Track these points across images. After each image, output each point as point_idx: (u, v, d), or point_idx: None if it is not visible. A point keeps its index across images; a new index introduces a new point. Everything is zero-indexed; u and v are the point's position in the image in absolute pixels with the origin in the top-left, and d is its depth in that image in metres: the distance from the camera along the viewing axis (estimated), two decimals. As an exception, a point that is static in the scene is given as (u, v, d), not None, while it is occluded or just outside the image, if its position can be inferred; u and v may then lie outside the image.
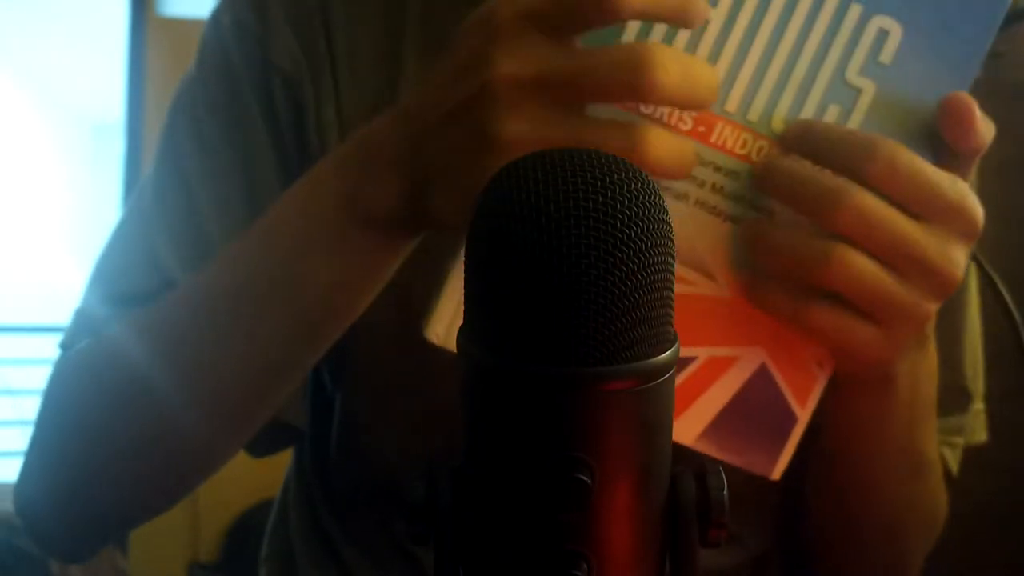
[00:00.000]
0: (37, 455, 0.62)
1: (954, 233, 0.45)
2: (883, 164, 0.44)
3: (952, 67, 0.46)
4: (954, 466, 0.68)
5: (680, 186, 0.47)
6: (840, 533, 0.65)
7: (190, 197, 0.63)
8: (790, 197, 0.45)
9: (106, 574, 2.27)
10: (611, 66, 0.41)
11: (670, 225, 0.28)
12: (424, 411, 0.63)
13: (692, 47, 0.46)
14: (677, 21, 0.44)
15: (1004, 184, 0.53)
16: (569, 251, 0.26)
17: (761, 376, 0.48)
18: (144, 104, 2.94)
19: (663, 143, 0.43)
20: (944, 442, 0.66)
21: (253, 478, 0.65)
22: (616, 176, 0.27)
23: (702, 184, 0.47)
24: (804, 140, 0.46)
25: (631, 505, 0.28)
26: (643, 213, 0.27)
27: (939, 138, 0.46)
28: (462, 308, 0.29)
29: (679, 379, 0.48)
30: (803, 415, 0.49)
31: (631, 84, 0.41)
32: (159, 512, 0.63)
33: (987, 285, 0.48)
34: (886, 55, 0.46)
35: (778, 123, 0.46)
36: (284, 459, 0.76)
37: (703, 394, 0.48)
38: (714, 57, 0.46)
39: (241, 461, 0.64)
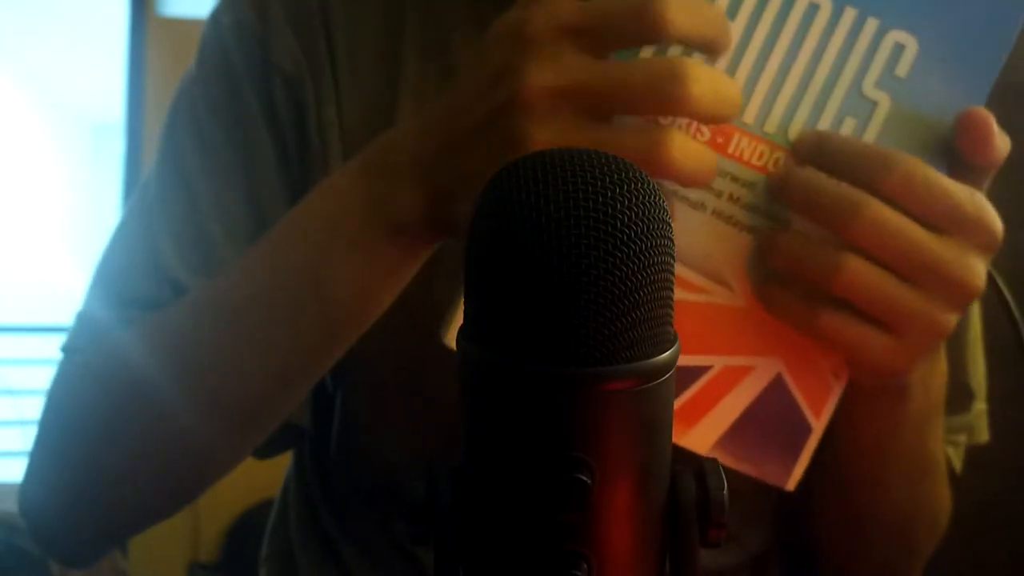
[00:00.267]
0: (41, 458, 0.62)
1: (972, 245, 0.45)
2: (900, 177, 0.44)
3: (968, 81, 0.47)
4: (957, 465, 0.68)
5: (697, 196, 0.47)
6: (846, 531, 0.65)
7: (191, 197, 0.63)
8: (807, 207, 0.46)
9: (106, 574, 2.27)
10: (647, 79, 0.42)
11: (670, 225, 0.28)
12: (424, 411, 0.63)
13: (711, 59, 0.46)
14: (708, 49, 0.44)
15: (1004, 184, 0.53)
16: (569, 251, 0.26)
17: (777, 386, 0.49)
18: (144, 104, 2.94)
19: (685, 147, 0.43)
20: (948, 441, 0.66)
21: (253, 478, 0.65)
22: (616, 176, 0.27)
23: (719, 194, 0.47)
24: (819, 152, 0.46)
25: (631, 505, 0.28)
26: (643, 213, 0.27)
27: (954, 151, 0.46)
28: None
29: (695, 388, 0.48)
30: (818, 426, 0.49)
31: (666, 97, 0.42)
32: (165, 516, 0.63)
33: (989, 285, 0.48)
34: (902, 68, 0.47)
35: (795, 135, 0.47)
36: (284, 459, 0.76)
37: (718, 403, 0.48)
38: (732, 68, 0.46)
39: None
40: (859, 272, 0.44)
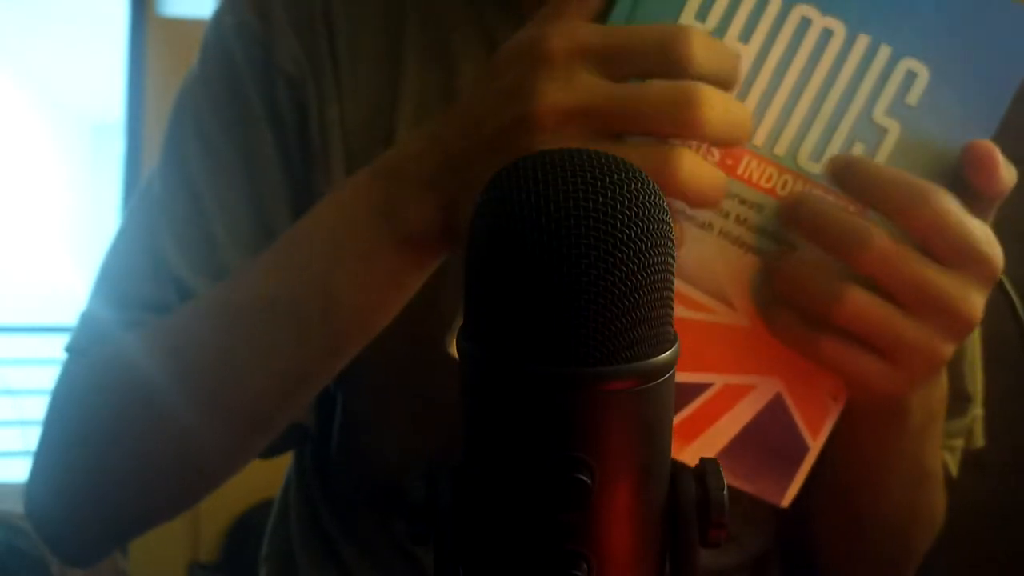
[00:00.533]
0: (45, 458, 0.62)
1: (976, 279, 0.46)
2: (932, 212, 0.45)
3: (977, 111, 0.47)
4: (954, 469, 0.68)
5: (705, 216, 0.47)
6: (845, 533, 0.65)
7: (194, 198, 0.63)
8: (816, 234, 0.46)
9: (106, 574, 2.27)
10: (662, 102, 0.43)
11: (670, 225, 0.28)
12: (425, 411, 0.63)
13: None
14: (723, 84, 0.45)
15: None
16: (569, 251, 0.26)
17: (776, 405, 0.49)
18: (144, 104, 2.94)
19: (695, 168, 0.43)
20: (945, 446, 0.67)
21: (253, 478, 0.65)
22: (616, 176, 0.27)
23: (727, 215, 0.47)
24: (850, 176, 0.46)
25: (631, 505, 0.28)
26: (643, 213, 0.27)
27: (960, 180, 0.47)
28: None
29: (695, 405, 0.49)
30: (815, 445, 0.50)
31: (680, 120, 0.43)
32: (169, 518, 0.63)
33: (995, 287, 0.48)
34: (913, 96, 0.47)
35: (804, 158, 0.47)
36: (284, 459, 0.76)
37: (718, 420, 0.49)
38: (745, 90, 0.46)
39: (241, 461, 0.64)
40: (862, 304, 0.45)
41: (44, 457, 0.63)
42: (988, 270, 0.46)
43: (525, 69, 0.44)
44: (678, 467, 0.30)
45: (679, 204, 0.45)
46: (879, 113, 0.47)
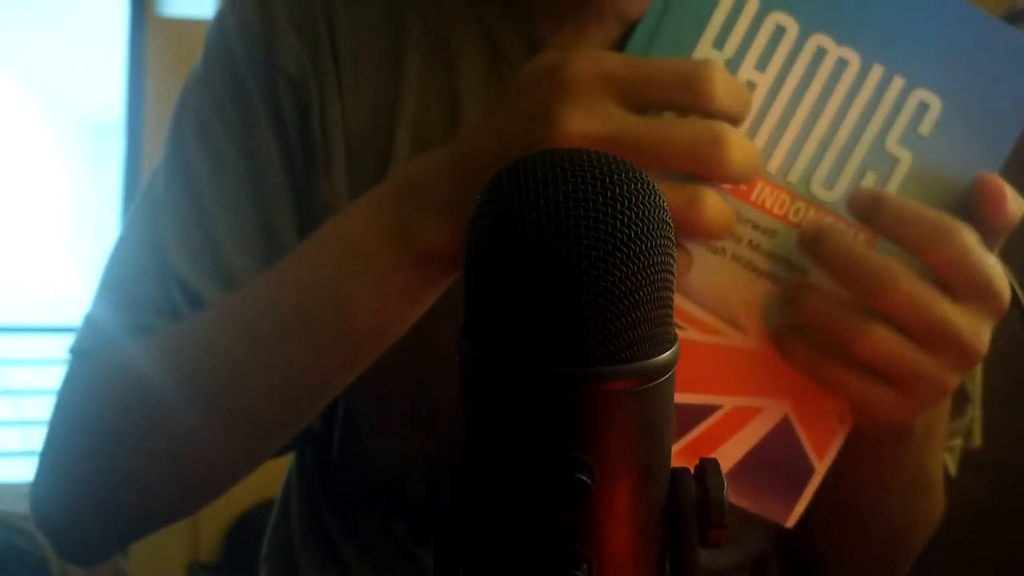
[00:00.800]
0: (51, 459, 0.63)
1: (986, 312, 0.47)
2: (957, 250, 0.45)
3: (987, 142, 0.48)
4: (953, 469, 0.68)
5: (718, 240, 0.48)
6: (844, 538, 0.66)
7: (197, 199, 0.63)
8: (839, 273, 0.46)
9: (106, 574, 2.27)
10: (689, 140, 0.43)
11: (670, 225, 0.28)
12: (426, 411, 0.63)
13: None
14: (735, 120, 0.46)
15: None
16: (569, 251, 0.26)
17: (783, 428, 0.50)
18: (144, 104, 2.94)
19: (718, 207, 0.44)
20: (944, 447, 0.67)
21: (253, 478, 0.65)
22: (616, 176, 0.27)
23: (739, 240, 0.48)
24: (876, 211, 0.47)
25: (631, 505, 0.28)
26: (643, 213, 0.27)
27: (969, 211, 0.47)
28: None
29: (704, 426, 0.49)
30: (821, 467, 0.51)
31: (706, 160, 0.43)
32: (174, 521, 0.64)
33: None
34: (925, 127, 0.48)
35: (816, 186, 0.48)
36: (284, 459, 0.76)
37: (726, 441, 0.50)
38: (760, 119, 0.47)
39: (241, 461, 0.64)
40: (884, 341, 0.46)
41: (50, 458, 0.63)
42: (999, 305, 0.47)
43: (548, 93, 0.44)
44: (678, 467, 0.30)
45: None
46: (892, 142, 0.48)
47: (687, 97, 0.44)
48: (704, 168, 0.44)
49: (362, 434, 0.69)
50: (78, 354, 0.64)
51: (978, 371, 0.70)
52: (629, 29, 0.47)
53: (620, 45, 0.47)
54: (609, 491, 0.27)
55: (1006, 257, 0.49)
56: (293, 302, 0.55)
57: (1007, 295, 0.47)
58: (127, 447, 0.59)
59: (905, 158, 0.48)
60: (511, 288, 0.26)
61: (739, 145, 0.44)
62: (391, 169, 0.63)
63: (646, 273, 0.27)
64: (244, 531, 2.61)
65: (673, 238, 0.28)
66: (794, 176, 0.48)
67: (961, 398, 0.68)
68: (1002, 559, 1.47)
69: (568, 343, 0.26)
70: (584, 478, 0.27)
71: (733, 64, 0.47)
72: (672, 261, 0.28)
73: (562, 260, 0.26)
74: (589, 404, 0.27)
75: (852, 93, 0.47)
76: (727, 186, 0.47)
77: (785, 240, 0.48)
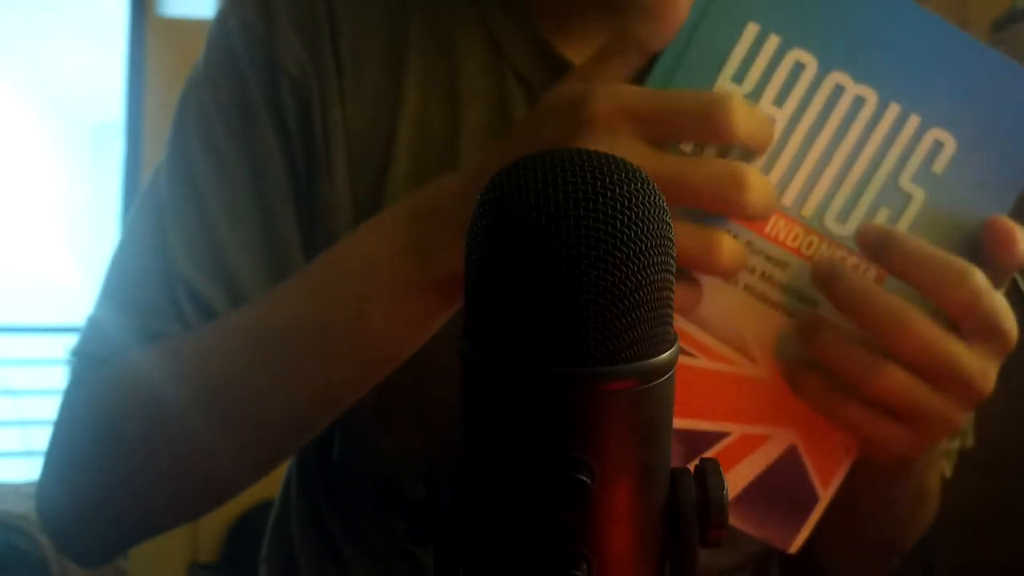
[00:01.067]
0: (57, 461, 0.63)
1: (995, 352, 0.47)
2: (970, 294, 0.46)
3: (999, 182, 0.49)
4: (948, 471, 0.69)
5: None
6: (844, 542, 0.66)
7: (199, 201, 0.63)
8: (854, 313, 0.47)
9: (106, 574, 2.27)
10: (710, 180, 0.44)
11: (670, 225, 0.28)
12: (426, 411, 0.63)
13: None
14: (756, 150, 0.47)
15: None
16: (569, 251, 0.26)
17: (789, 456, 0.51)
18: (144, 104, 2.94)
19: (733, 251, 0.45)
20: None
21: (253, 478, 0.66)
22: (616, 176, 0.27)
23: (752, 271, 0.49)
24: (886, 249, 0.47)
25: (631, 505, 0.28)
26: (643, 213, 0.27)
27: (978, 249, 0.48)
28: None
29: (712, 453, 0.50)
30: (825, 496, 0.51)
31: (725, 200, 0.44)
32: (181, 524, 0.64)
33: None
34: (939, 165, 0.48)
35: (830, 220, 0.48)
36: (284, 459, 0.76)
37: (733, 468, 0.50)
38: (776, 153, 0.48)
39: (242, 461, 0.64)
40: (898, 382, 0.46)
41: (55, 461, 0.63)
42: (1007, 345, 0.47)
43: (570, 126, 0.44)
44: (678, 468, 0.30)
45: None
46: (905, 180, 0.48)
47: (707, 130, 0.44)
48: (722, 208, 0.45)
49: (363, 434, 0.69)
50: (82, 357, 0.64)
51: None
52: (651, 61, 0.48)
53: (641, 76, 0.48)
54: (609, 491, 0.27)
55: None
56: (308, 319, 0.55)
57: (1015, 335, 0.47)
58: (133, 454, 0.59)
59: (918, 195, 0.48)
60: (511, 288, 0.26)
61: (757, 186, 0.44)
62: (392, 169, 0.63)
63: (646, 273, 0.26)
64: (244, 531, 2.61)
65: (673, 238, 0.28)
66: (808, 210, 0.48)
67: None
68: (1004, 559, 1.47)
69: (568, 343, 0.26)
70: (584, 478, 0.27)
71: (752, 98, 0.47)
72: (672, 261, 0.28)
73: (562, 260, 0.26)
74: (589, 404, 0.27)
75: (868, 130, 0.48)
76: None
77: (797, 272, 0.49)
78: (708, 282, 0.48)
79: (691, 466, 0.31)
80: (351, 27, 0.64)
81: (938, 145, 0.48)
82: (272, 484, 0.80)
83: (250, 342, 0.57)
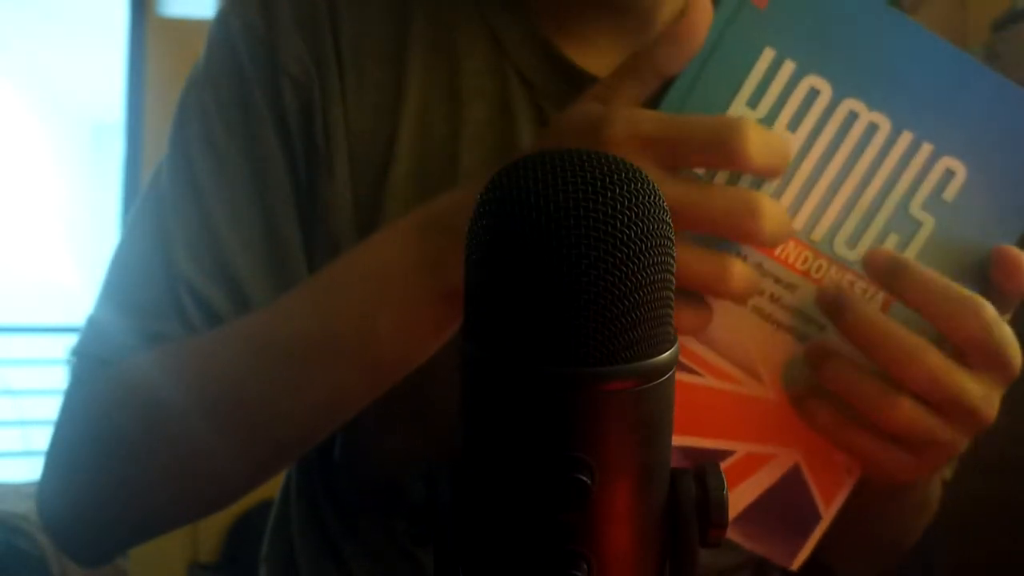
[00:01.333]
0: (58, 462, 0.63)
1: (999, 381, 0.48)
2: (978, 326, 0.46)
3: (1008, 210, 0.49)
4: (948, 474, 0.69)
5: None
6: (845, 546, 0.66)
7: (203, 203, 0.63)
8: (860, 343, 0.47)
9: (106, 574, 2.27)
10: (723, 208, 0.44)
11: (670, 225, 0.28)
12: (427, 411, 0.63)
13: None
14: (772, 174, 0.47)
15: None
16: (569, 251, 0.26)
17: (793, 475, 0.51)
18: (144, 104, 2.94)
19: (744, 275, 0.46)
20: None
21: (253, 478, 0.66)
22: (616, 176, 0.27)
23: (761, 292, 0.49)
24: (894, 276, 0.48)
25: (631, 505, 0.28)
26: (643, 213, 0.27)
27: (985, 277, 0.49)
28: None
29: None
30: (827, 515, 0.52)
31: (740, 229, 0.45)
32: (182, 526, 0.64)
33: None
34: (949, 193, 0.49)
35: (840, 245, 0.49)
36: (284, 459, 0.76)
37: (737, 486, 0.51)
38: (788, 177, 0.48)
39: (242, 461, 0.64)
40: (908, 413, 0.47)
41: (55, 461, 0.63)
42: (1012, 374, 0.48)
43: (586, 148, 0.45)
44: (678, 468, 0.30)
45: None
46: (916, 207, 0.49)
47: (720, 157, 0.45)
48: (736, 235, 0.45)
49: (363, 434, 0.69)
50: (83, 357, 0.64)
51: None
52: (667, 83, 0.48)
53: (657, 98, 0.48)
54: (609, 491, 0.27)
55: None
56: (315, 328, 0.55)
57: (1019, 365, 0.48)
58: (133, 454, 0.59)
59: (928, 223, 0.49)
60: (511, 288, 0.26)
61: (771, 215, 0.45)
62: (393, 169, 0.63)
63: (646, 273, 0.27)
64: (244, 531, 2.61)
65: (673, 238, 0.28)
66: (818, 234, 0.49)
67: None
68: (1004, 559, 1.47)
69: (568, 343, 0.26)
70: (584, 478, 0.27)
71: (765, 123, 0.48)
72: (672, 261, 0.28)
73: (562, 260, 0.26)
74: (589, 404, 0.27)
75: (880, 157, 0.48)
76: None
77: (806, 295, 0.49)
78: (717, 302, 0.48)
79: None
80: (352, 26, 0.64)
81: (949, 173, 0.48)
82: (272, 484, 0.80)
83: (254, 348, 0.57)
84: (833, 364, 0.48)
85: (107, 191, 3.60)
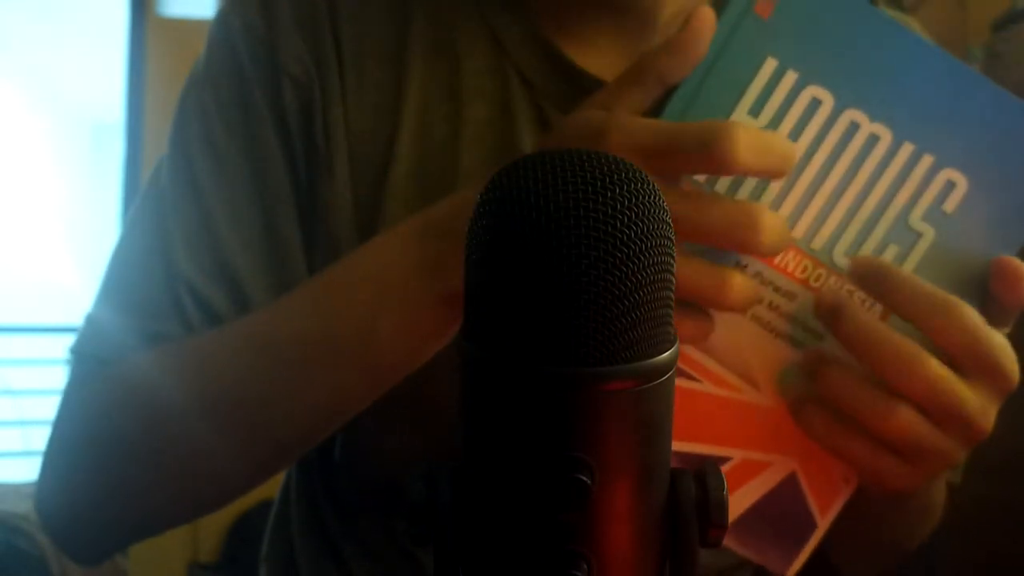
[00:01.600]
0: (56, 460, 0.63)
1: (995, 391, 0.48)
2: (962, 330, 0.46)
3: (1008, 224, 0.49)
4: (957, 478, 0.69)
5: None
6: (846, 548, 0.66)
7: (202, 202, 0.63)
8: (857, 351, 0.47)
9: (106, 573, 2.27)
10: (722, 221, 0.44)
11: (670, 225, 0.28)
12: (427, 411, 0.63)
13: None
14: (768, 177, 0.47)
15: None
16: (569, 251, 0.26)
17: (789, 483, 0.51)
18: (144, 104, 2.94)
19: (744, 287, 0.46)
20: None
21: (253, 478, 0.66)
22: (616, 176, 0.27)
23: (760, 300, 0.49)
24: (877, 281, 0.48)
25: (631, 505, 0.28)
26: (643, 213, 0.27)
27: (985, 289, 0.49)
28: None
29: None
30: (823, 524, 0.52)
31: (738, 241, 0.45)
32: (180, 525, 0.64)
33: None
34: (950, 205, 0.49)
35: (839, 254, 0.49)
36: (284, 459, 0.76)
37: (734, 492, 0.51)
38: (789, 185, 0.48)
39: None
40: (906, 422, 0.47)
41: (53, 460, 0.63)
42: (1008, 384, 0.48)
43: None
44: (678, 468, 0.30)
45: None
46: (915, 218, 0.49)
47: (707, 160, 0.44)
48: (735, 247, 0.45)
49: (363, 434, 0.69)
50: (82, 356, 0.63)
51: None
52: (669, 91, 0.48)
53: (660, 106, 0.48)
54: (609, 491, 0.27)
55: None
56: (318, 329, 0.55)
57: (1016, 375, 0.48)
58: (133, 456, 0.59)
59: (928, 234, 0.49)
60: (511, 288, 0.26)
61: (770, 227, 0.45)
62: (393, 168, 0.63)
63: (646, 273, 0.27)
64: (244, 531, 2.61)
65: (673, 238, 0.28)
66: (818, 243, 0.49)
67: None
68: (1004, 559, 1.47)
69: (568, 343, 0.26)
70: (584, 478, 0.27)
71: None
72: (672, 261, 0.28)
73: (562, 260, 0.26)
74: (589, 404, 0.27)
75: (881, 168, 0.48)
76: None
77: (804, 304, 0.49)
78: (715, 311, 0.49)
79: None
80: (352, 26, 0.64)
81: (950, 185, 0.48)
82: (272, 484, 0.80)
83: (254, 348, 0.57)
84: (830, 372, 0.48)
85: (107, 191, 3.60)
